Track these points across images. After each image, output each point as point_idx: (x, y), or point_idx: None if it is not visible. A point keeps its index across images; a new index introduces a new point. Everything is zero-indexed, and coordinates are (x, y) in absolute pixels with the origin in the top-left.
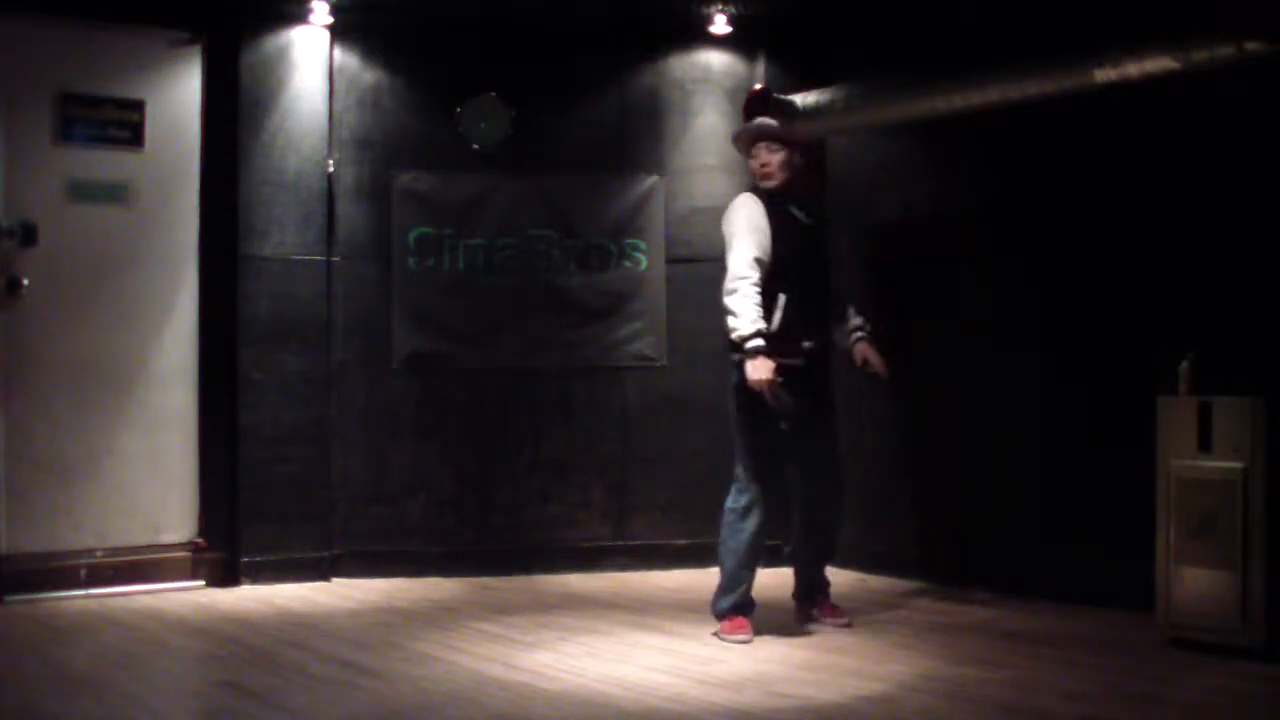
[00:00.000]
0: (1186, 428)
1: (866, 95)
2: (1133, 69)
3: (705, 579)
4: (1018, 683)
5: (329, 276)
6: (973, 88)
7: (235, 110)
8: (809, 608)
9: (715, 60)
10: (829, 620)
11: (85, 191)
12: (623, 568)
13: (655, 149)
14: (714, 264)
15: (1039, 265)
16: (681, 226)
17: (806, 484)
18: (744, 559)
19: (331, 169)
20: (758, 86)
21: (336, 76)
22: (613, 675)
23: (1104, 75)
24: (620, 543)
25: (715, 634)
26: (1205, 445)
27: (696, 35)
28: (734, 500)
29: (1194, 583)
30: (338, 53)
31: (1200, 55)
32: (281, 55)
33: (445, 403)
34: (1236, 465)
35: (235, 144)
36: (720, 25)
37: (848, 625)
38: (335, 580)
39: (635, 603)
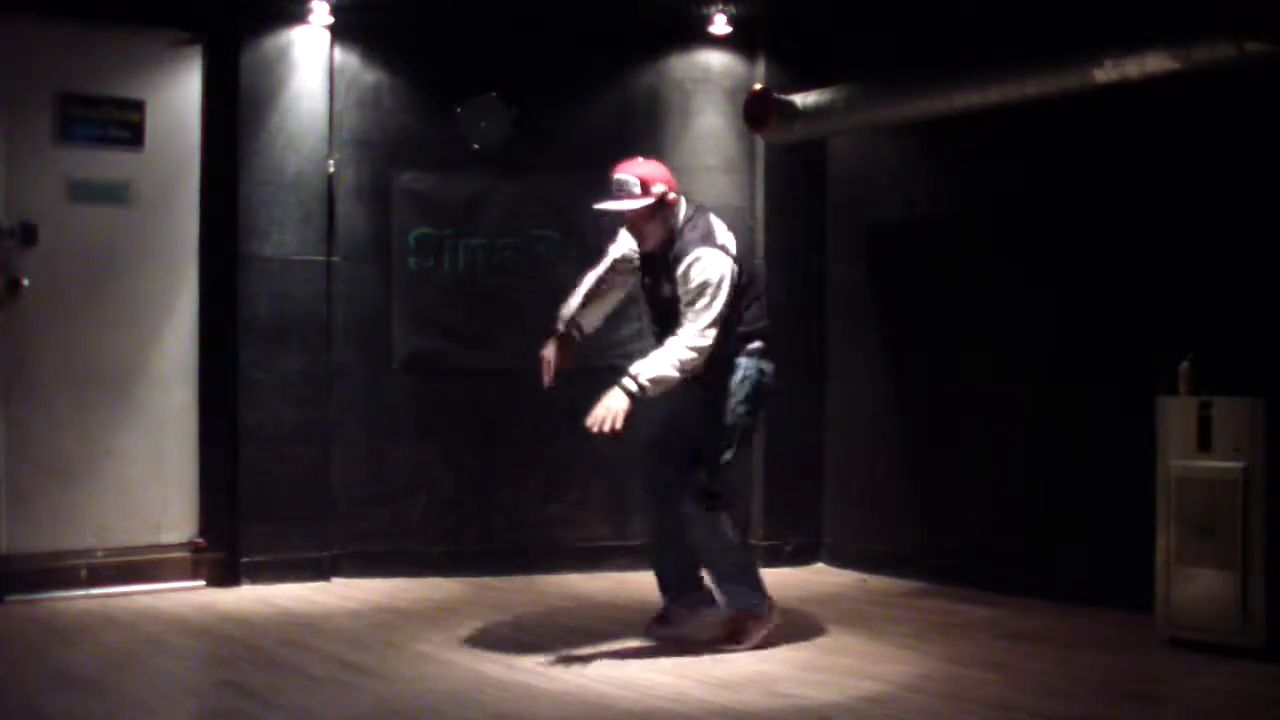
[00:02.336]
0: (1186, 428)
1: (866, 95)
2: (1133, 69)
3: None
4: (1017, 683)
5: (329, 276)
6: (973, 88)
7: (235, 110)
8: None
9: (715, 60)
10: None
11: (85, 191)
12: (623, 568)
13: (655, 149)
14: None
15: (1039, 265)
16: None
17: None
18: None
19: (331, 169)
20: (758, 86)
21: (336, 76)
22: (613, 675)
23: (1104, 75)
24: (620, 543)
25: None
26: (1205, 445)
27: (696, 35)
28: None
29: (1194, 583)
30: (338, 53)
31: (1200, 55)
32: (281, 55)
33: (445, 403)
34: (1236, 465)
35: (235, 144)
36: (720, 25)
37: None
38: (335, 580)
39: (635, 603)
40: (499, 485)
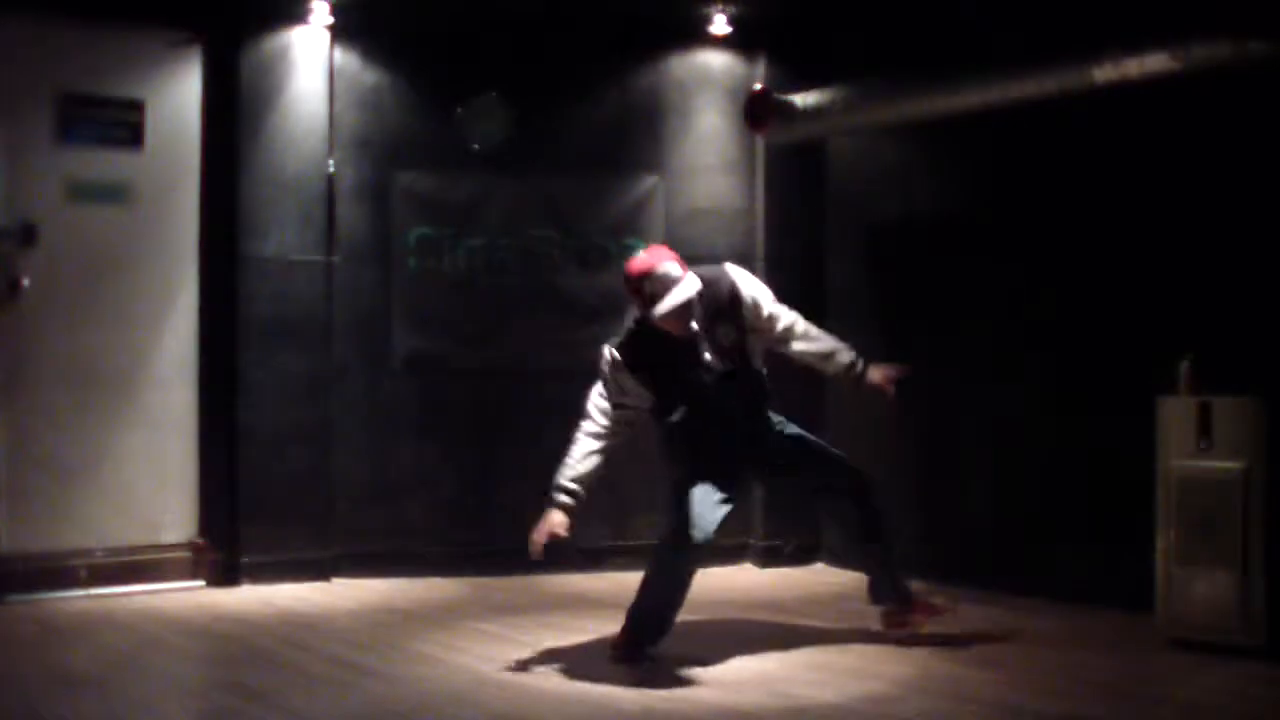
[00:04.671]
0: (1186, 428)
1: (866, 95)
2: (1133, 69)
3: (703, 579)
4: (1017, 683)
5: (329, 276)
6: (973, 88)
7: (235, 110)
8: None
9: (715, 60)
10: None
11: (85, 192)
12: (623, 568)
13: (655, 149)
14: (713, 264)
15: (1039, 265)
16: (681, 227)
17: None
18: None
19: (331, 169)
20: (758, 87)
21: (336, 77)
22: (613, 675)
23: (1104, 75)
24: (620, 543)
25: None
26: (1205, 445)
27: (696, 35)
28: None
29: (1194, 583)
30: (338, 53)
31: (1200, 55)
32: (281, 55)
33: (445, 403)
34: (1236, 465)
35: (235, 144)
36: (720, 25)
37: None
38: (335, 580)
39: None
40: (499, 485)
